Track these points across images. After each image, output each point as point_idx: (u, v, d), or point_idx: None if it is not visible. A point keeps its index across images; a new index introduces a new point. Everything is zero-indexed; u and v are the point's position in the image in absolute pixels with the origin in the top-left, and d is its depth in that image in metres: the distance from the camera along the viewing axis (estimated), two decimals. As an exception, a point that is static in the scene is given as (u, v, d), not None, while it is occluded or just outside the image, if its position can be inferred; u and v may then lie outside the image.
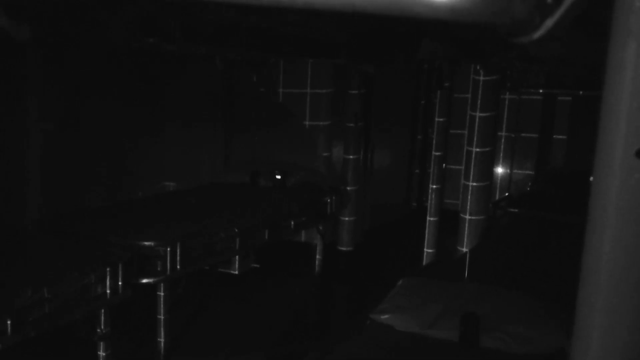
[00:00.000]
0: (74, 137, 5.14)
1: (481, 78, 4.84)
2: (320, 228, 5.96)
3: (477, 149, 4.95)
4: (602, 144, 0.83)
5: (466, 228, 5.07)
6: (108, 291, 3.56)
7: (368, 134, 6.54)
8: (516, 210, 5.78)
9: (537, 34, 0.80)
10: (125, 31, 2.93)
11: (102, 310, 3.60)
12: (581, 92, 6.17)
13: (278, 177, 5.81)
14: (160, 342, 4.16)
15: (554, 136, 7.08)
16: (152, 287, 4.06)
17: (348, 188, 6.18)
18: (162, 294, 4.09)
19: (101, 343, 3.65)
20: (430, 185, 5.78)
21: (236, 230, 4.65)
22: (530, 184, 7.08)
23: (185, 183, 6.01)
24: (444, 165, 6.07)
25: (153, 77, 5.93)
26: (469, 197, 5.03)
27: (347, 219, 6.23)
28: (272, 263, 5.61)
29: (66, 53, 4.90)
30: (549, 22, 0.79)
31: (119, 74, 5.53)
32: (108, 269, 3.54)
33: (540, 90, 6.71)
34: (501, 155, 7.28)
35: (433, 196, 5.72)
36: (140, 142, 5.89)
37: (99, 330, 3.62)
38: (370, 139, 6.62)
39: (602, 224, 0.84)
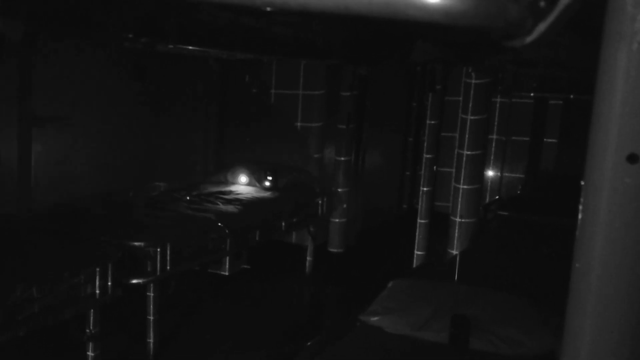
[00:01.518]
0: (67, 136, 5.12)
1: (473, 81, 4.86)
2: (311, 229, 5.96)
3: (468, 152, 4.97)
4: (593, 148, 0.83)
5: (456, 231, 5.08)
6: (97, 291, 3.55)
7: (360, 136, 6.55)
8: (506, 213, 5.80)
9: (530, 38, 0.80)
10: (120, 31, 2.92)
11: (92, 310, 3.58)
12: (572, 96, 6.20)
13: (269, 178, 5.80)
14: (149, 342, 4.15)
15: (545, 140, 7.11)
16: (142, 288, 4.05)
17: (339, 190, 6.19)
18: (151, 294, 4.08)
19: (90, 343, 3.63)
20: (421, 188, 5.79)
21: (227, 231, 4.64)
22: (520, 187, 7.10)
23: (176, 183, 5.99)
24: (435, 167, 6.09)
25: (146, 76, 5.91)
26: (460, 199, 5.05)
27: (337, 220, 6.23)
28: (263, 264, 5.61)
29: (61, 50, 4.88)
30: (542, 26, 0.79)
31: (112, 72, 5.52)
32: (98, 269, 3.52)
33: (532, 94, 6.73)
34: (492, 158, 7.30)
35: (424, 199, 5.73)
36: (131, 141, 5.88)
37: (88, 330, 3.60)
38: (362, 141, 6.63)
39: (592, 228, 0.84)
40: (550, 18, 0.79)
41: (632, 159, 0.81)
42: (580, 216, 0.86)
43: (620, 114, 0.80)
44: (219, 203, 5.14)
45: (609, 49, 0.81)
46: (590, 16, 0.91)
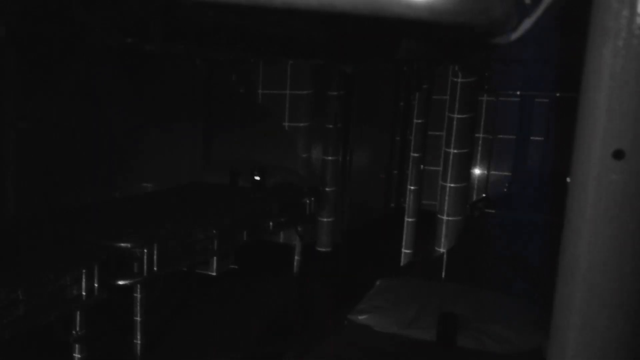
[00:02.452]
0: (51, 137, 5.08)
1: (459, 80, 4.87)
2: (299, 229, 5.95)
3: (455, 151, 4.98)
4: (579, 145, 0.83)
5: (444, 229, 5.09)
6: (83, 292, 3.53)
7: (347, 135, 6.55)
8: (493, 211, 5.82)
9: (515, 35, 0.80)
10: (104, 31, 2.90)
11: (78, 312, 3.56)
12: (558, 94, 6.23)
13: (257, 177, 5.79)
14: (136, 344, 4.13)
15: (531, 137, 7.13)
16: (129, 289, 4.02)
17: (327, 189, 6.18)
18: (138, 295, 4.05)
19: (77, 345, 3.61)
20: (408, 187, 5.79)
21: (214, 231, 4.62)
22: (507, 185, 7.12)
23: (163, 184, 5.97)
24: (422, 166, 6.09)
25: (131, 76, 5.88)
26: (447, 198, 5.06)
27: (325, 219, 6.23)
28: (251, 264, 5.59)
29: (43, 51, 4.84)
30: (527, 23, 0.79)
31: (96, 73, 5.48)
32: (84, 270, 3.50)
33: (518, 92, 6.75)
34: (478, 156, 7.31)
35: (411, 197, 5.73)
36: (117, 142, 5.84)
37: (74, 332, 3.58)
38: (349, 140, 6.63)
39: (579, 224, 0.85)
40: (536, 15, 0.79)
41: (618, 155, 0.81)
42: (566, 212, 0.86)
43: (606, 110, 0.80)
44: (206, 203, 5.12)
45: (594, 45, 0.81)
46: (576, 13, 0.92)
